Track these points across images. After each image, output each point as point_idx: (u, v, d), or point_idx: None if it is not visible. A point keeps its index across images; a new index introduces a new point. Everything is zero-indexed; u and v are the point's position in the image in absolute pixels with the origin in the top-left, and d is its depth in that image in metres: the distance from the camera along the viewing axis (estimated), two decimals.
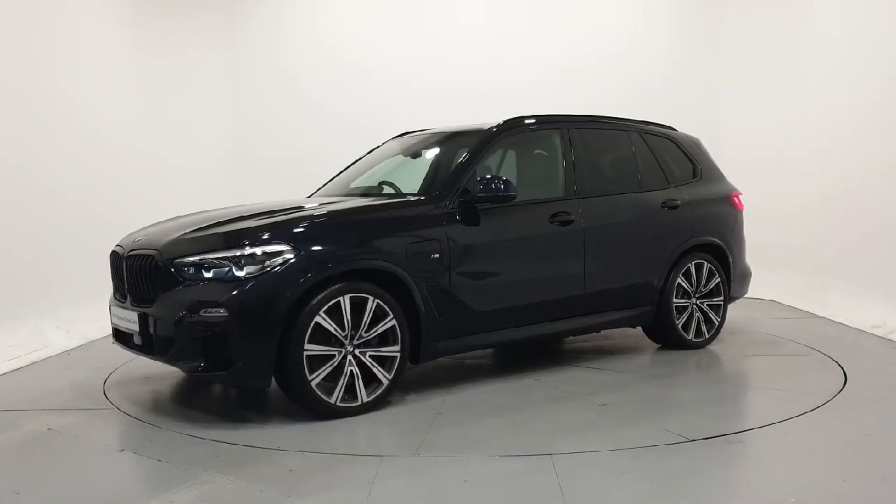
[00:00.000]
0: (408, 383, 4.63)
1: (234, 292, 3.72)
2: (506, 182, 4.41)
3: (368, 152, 5.83)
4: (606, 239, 5.06)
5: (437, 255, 4.25)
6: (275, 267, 3.78)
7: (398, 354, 4.09)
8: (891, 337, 5.89)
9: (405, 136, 5.72)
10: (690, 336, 5.51)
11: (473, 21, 8.97)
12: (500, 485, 3.06)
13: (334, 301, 3.87)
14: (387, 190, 5.06)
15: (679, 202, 5.48)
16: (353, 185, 5.29)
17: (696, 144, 5.99)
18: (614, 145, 5.53)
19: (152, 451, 3.50)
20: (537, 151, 5.46)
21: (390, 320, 4.04)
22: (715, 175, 5.96)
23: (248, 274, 3.76)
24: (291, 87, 9.02)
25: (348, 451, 3.48)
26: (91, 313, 6.45)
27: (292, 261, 3.81)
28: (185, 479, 3.14)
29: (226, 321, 3.70)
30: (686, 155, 5.82)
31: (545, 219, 4.79)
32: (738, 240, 5.91)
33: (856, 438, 3.65)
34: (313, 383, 3.83)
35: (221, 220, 4.25)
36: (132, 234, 4.58)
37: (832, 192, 7.26)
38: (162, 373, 4.92)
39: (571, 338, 5.93)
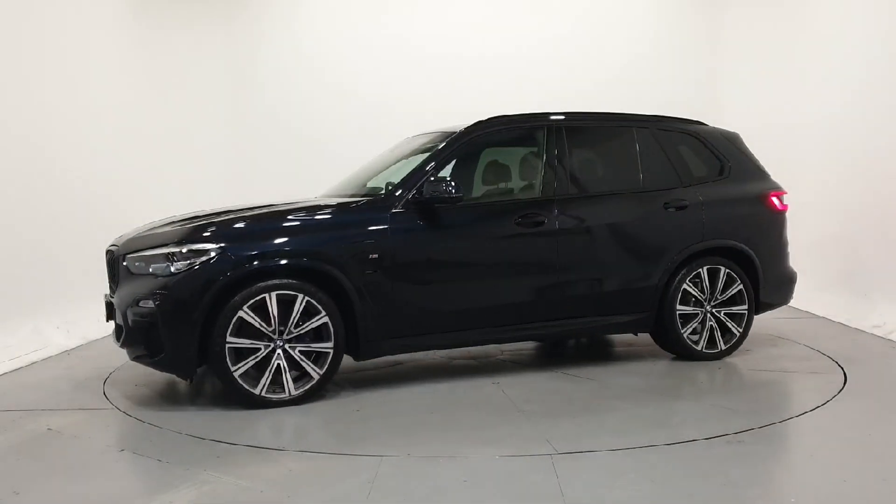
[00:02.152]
0: (365, 379, 4.76)
1: (161, 287, 4.05)
2: (454, 184, 4.42)
3: (391, 148, 5.78)
4: (586, 241, 4.88)
5: (375, 255, 4.32)
6: (199, 264, 4.04)
7: (330, 351, 4.22)
8: (891, 337, 5.89)
9: (421, 135, 5.67)
10: (700, 346, 5.12)
11: (476, 19, 8.96)
12: (500, 485, 3.06)
13: (259, 297, 4.07)
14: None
15: (687, 202, 5.13)
16: (369, 185, 5.25)
17: (728, 140, 5.54)
18: (611, 143, 5.33)
19: (152, 451, 3.50)
20: (515, 152, 5.36)
21: (322, 317, 4.18)
22: (748, 173, 5.46)
23: (176, 270, 4.06)
24: (292, 88, 9.01)
25: (345, 450, 3.48)
26: (91, 313, 6.45)
27: (216, 259, 4.06)
28: (185, 479, 3.14)
29: (153, 313, 4.04)
30: (712, 152, 5.40)
31: (510, 220, 4.70)
32: (772, 243, 5.41)
33: (856, 438, 3.65)
34: (236, 374, 4.07)
35: (177, 220, 4.55)
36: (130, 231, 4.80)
37: (832, 191, 7.26)
38: (160, 373, 4.91)
39: (590, 342, 5.92)
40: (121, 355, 5.20)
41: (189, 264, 4.05)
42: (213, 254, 4.06)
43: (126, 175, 7.68)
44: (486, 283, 4.69)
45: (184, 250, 4.08)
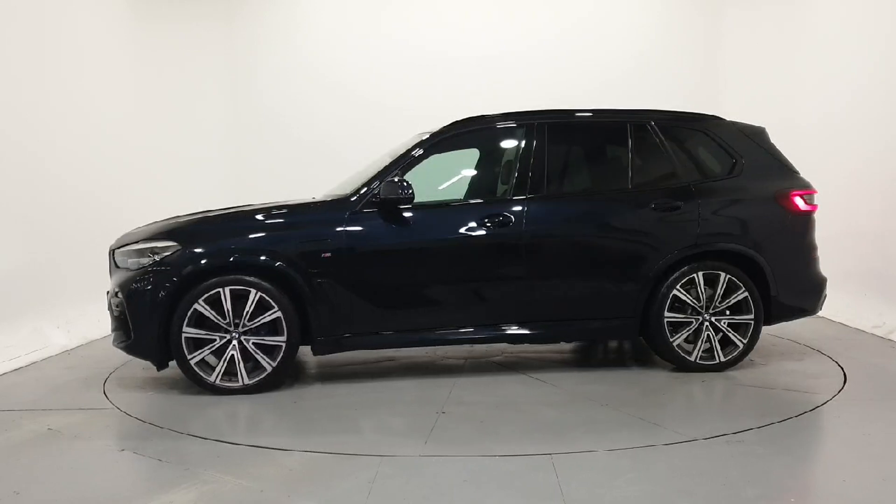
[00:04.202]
0: (339, 374, 4.90)
1: (131, 279, 4.43)
2: (407, 185, 4.50)
3: (400, 146, 5.73)
4: (555, 243, 4.73)
5: (328, 255, 4.47)
6: (161, 259, 4.40)
7: (283, 344, 4.44)
8: (891, 337, 5.90)
9: (429, 132, 5.63)
10: (694, 357, 4.80)
11: (477, 20, 8.96)
12: (500, 484, 3.06)
13: (214, 291, 4.35)
14: None
15: (681, 203, 4.81)
16: None
17: (747, 136, 5.12)
18: (598, 141, 5.18)
19: (152, 451, 3.51)
20: (492, 152, 5.29)
21: (275, 312, 4.41)
22: (767, 171, 5.03)
23: (143, 264, 4.43)
24: (292, 89, 9.01)
25: (348, 450, 3.49)
26: (91, 313, 6.45)
27: (175, 255, 4.39)
28: (185, 479, 3.14)
29: (122, 303, 4.43)
30: (724, 148, 5.01)
31: (473, 221, 4.65)
32: (789, 246, 4.98)
33: (856, 438, 3.65)
34: (192, 362, 4.39)
35: (161, 220, 4.86)
36: None
37: (832, 190, 7.24)
38: (162, 373, 4.93)
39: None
40: (121, 355, 5.26)
41: (153, 259, 4.41)
42: (174, 252, 4.39)
43: (126, 175, 7.69)
44: (445, 285, 4.68)
45: (149, 246, 4.46)
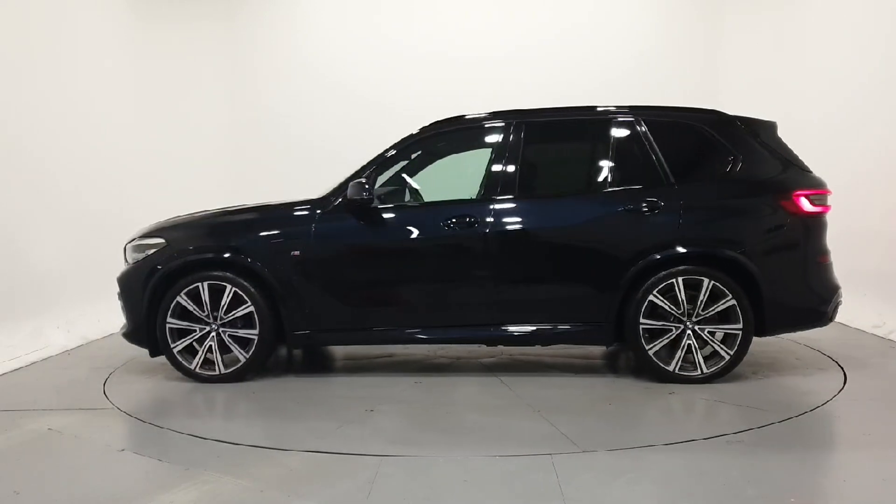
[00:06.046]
0: (330, 368, 4.99)
1: (126, 272, 4.81)
2: (368, 186, 4.59)
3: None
4: (520, 245, 4.61)
5: (297, 253, 4.64)
6: (149, 255, 4.73)
7: (255, 337, 4.66)
8: (891, 337, 5.90)
9: None
10: (673, 367, 4.50)
11: (478, 22, 8.98)
12: (500, 484, 3.07)
13: (194, 286, 4.64)
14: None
15: (661, 204, 4.53)
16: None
17: (748, 132, 4.78)
18: (579, 141, 5.06)
19: (152, 451, 3.51)
20: (472, 152, 5.27)
21: (248, 306, 4.64)
22: (767, 169, 4.69)
23: (138, 259, 4.77)
24: (293, 89, 9.02)
25: (348, 450, 3.49)
26: (91, 313, 6.46)
27: (161, 252, 4.72)
28: (185, 479, 3.14)
29: (119, 295, 4.83)
30: (721, 145, 4.70)
31: (442, 222, 4.62)
32: (788, 251, 4.59)
33: (856, 438, 3.66)
34: (175, 350, 4.69)
35: (164, 219, 5.10)
36: None
37: (831, 189, 7.25)
38: (162, 373, 4.94)
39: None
40: (120, 355, 5.35)
41: (144, 255, 4.74)
42: (160, 248, 4.72)
43: (126, 175, 7.69)
44: (411, 285, 4.72)
45: (142, 243, 4.80)
